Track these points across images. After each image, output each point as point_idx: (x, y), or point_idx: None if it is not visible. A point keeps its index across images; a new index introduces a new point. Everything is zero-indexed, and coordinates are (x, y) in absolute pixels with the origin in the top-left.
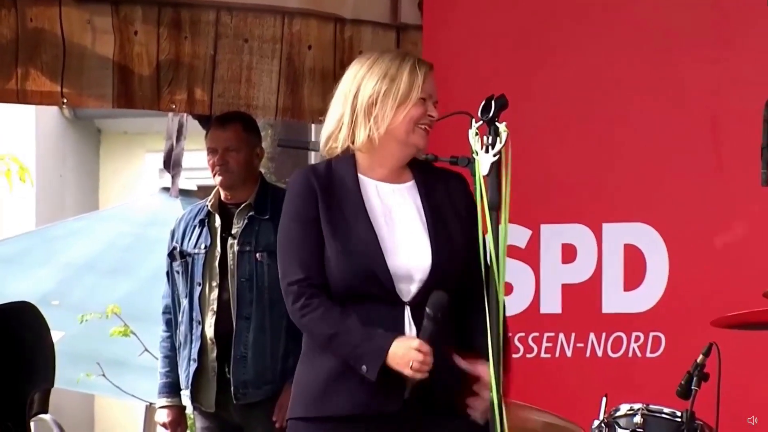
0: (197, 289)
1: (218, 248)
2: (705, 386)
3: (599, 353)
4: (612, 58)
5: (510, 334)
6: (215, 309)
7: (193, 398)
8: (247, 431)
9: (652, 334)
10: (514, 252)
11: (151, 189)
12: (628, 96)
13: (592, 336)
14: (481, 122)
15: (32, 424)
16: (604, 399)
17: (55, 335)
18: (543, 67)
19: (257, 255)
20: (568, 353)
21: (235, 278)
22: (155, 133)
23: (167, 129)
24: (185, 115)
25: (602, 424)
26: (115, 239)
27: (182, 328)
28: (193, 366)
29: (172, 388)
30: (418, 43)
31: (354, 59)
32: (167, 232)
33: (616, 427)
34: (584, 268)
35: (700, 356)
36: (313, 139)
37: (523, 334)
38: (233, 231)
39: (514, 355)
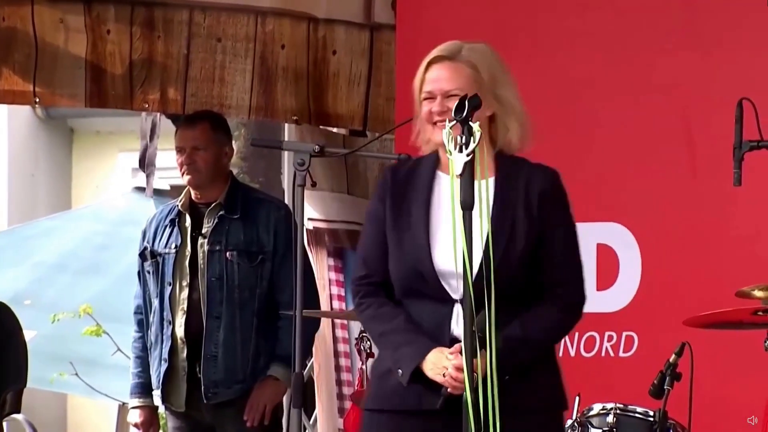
0: (168, 289)
1: (188, 248)
2: (677, 385)
3: (572, 353)
4: (585, 59)
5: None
6: (185, 309)
7: (164, 398)
8: (219, 431)
9: (625, 333)
10: None
11: (124, 188)
12: (601, 97)
13: None
14: (454, 122)
15: (5, 424)
16: (577, 398)
17: (27, 334)
18: (516, 67)
19: (227, 254)
20: None
21: (205, 277)
22: (128, 133)
23: (141, 129)
24: (158, 114)
25: (575, 424)
26: (87, 239)
27: (153, 328)
28: (164, 366)
29: (144, 388)
30: (391, 43)
31: (327, 59)
32: (140, 231)
33: (589, 426)
34: None
35: (673, 356)
36: (286, 138)
37: None
38: (203, 230)
39: None
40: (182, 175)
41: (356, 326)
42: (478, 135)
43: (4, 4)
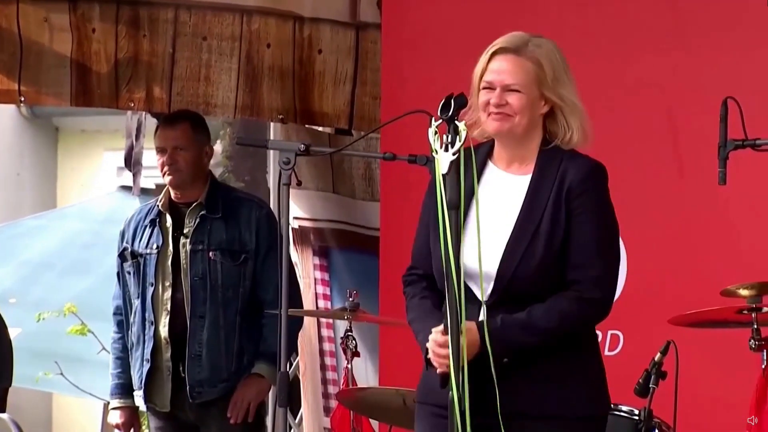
0: (150, 290)
1: (170, 248)
2: (662, 384)
3: None
4: (571, 58)
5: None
6: (169, 309)
7: (147, 398)
8: (203, 429)
9: (610, 332)
10: None
11: (109, 187)
12: (583, 96)
13: None
14: (440, 121)
15: None
16: None
17: (12, 332)
18: None
19: (210, 253)
20: None
21: (188, 277)
22: (113, 132)
23: (126, 127)
24: (144, 113)
25: None
26: (72, 237)
27: (134, 329)
28: (146, 366)
29: (124, 389)
30: (377, 42)
31: (313, 58)
32: None
33: None
34: None
35: (658, 354)
36: (271, 137)
37: None
38: (185, 230)
39: None
40: (163, 175)
41: (342, 325)
42: (464, 134)
43: None
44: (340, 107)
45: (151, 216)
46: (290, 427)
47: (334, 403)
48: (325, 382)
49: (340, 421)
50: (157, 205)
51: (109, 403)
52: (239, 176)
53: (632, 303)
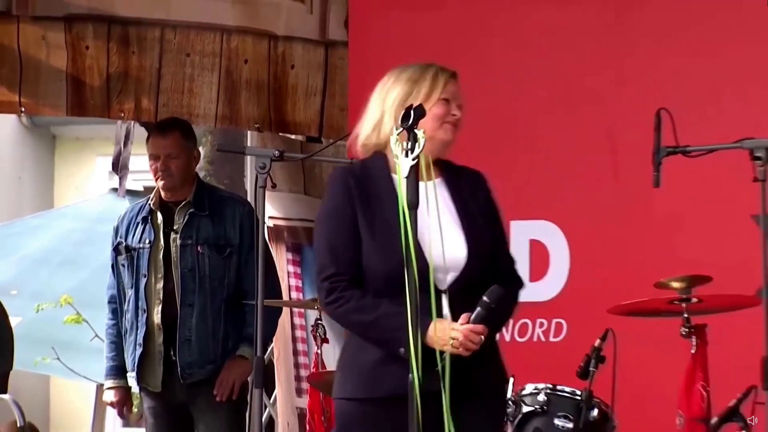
0: (143, 280)
1: (162, 242)
2: (602, 367)
3: (507, 338)
4: (523, 75)
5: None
6: (161, 298)
7: (140, 380)
8: (192, 407)
9: (554, 320)
10: None
11: (101, 189)
12: (533, 105)
13: None
14: (401, 129)
15: None
16: (512, 380)
17: (13, 321)
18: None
19: (198, 248)
20: None
21: (178, 269)
22: (105, 139)
23: (116, 135)
24: (132, 122)
25: (510, 402)
26: (68, 235)
27: (128, 316)
28: (139, 350)
29: (118, 370)
30: (344, 58)
31: (286, 72)
32: None
33: (523, 404)
34: None
35: (598, 341)
36: (249, 144)
37: None
38: (175, 226)
39: None
40: (156, 180)
41: (312, 314)
42: (422, 141)
43: None
44: (311, 117)
45: (143, 213)
46: (265, 407)
47: (305, 385)
48: (297, 366)
49: (315, 401)
50: (149, 204)
51: (102, 384)
52: (219, 179)
53: (574, 294)
